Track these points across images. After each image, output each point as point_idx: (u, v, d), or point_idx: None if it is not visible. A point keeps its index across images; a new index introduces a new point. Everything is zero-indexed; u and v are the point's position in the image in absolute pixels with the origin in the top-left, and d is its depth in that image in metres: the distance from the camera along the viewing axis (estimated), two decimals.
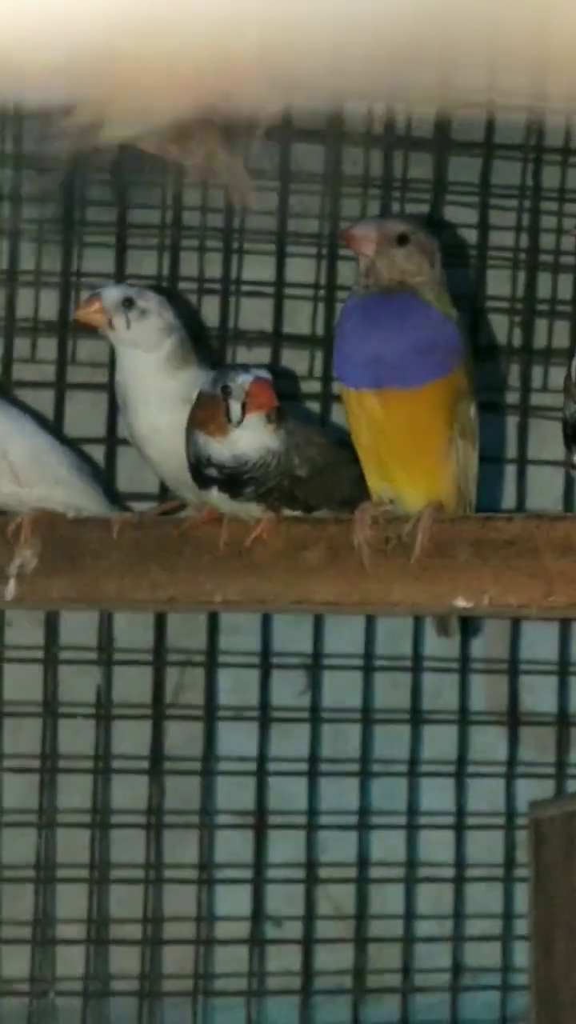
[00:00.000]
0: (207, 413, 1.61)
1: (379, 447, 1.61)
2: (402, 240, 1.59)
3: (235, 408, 1.58)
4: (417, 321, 1.59)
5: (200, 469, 1.63)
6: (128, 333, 1.69)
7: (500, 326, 2.09)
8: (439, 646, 2.03)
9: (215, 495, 1.63)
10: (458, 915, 2.04)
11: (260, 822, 2.02)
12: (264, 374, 1.61)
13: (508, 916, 2.04)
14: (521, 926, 1.96)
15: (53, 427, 1.87)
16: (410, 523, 1.58)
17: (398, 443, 1.60)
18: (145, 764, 2.00)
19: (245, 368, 1.63)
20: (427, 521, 1.58)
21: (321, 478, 1.65)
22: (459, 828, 2.05)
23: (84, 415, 1.97)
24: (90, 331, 1.77)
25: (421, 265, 1.60)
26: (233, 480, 1.62)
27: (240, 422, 1.59)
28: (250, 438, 1.60)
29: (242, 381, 1.59)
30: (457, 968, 2.04)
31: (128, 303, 1.69)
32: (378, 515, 1.60)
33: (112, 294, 1.71)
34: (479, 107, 1.67)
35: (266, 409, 1.59)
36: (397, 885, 2.04)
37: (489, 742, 2.08)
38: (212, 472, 1.62)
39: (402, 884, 2.04)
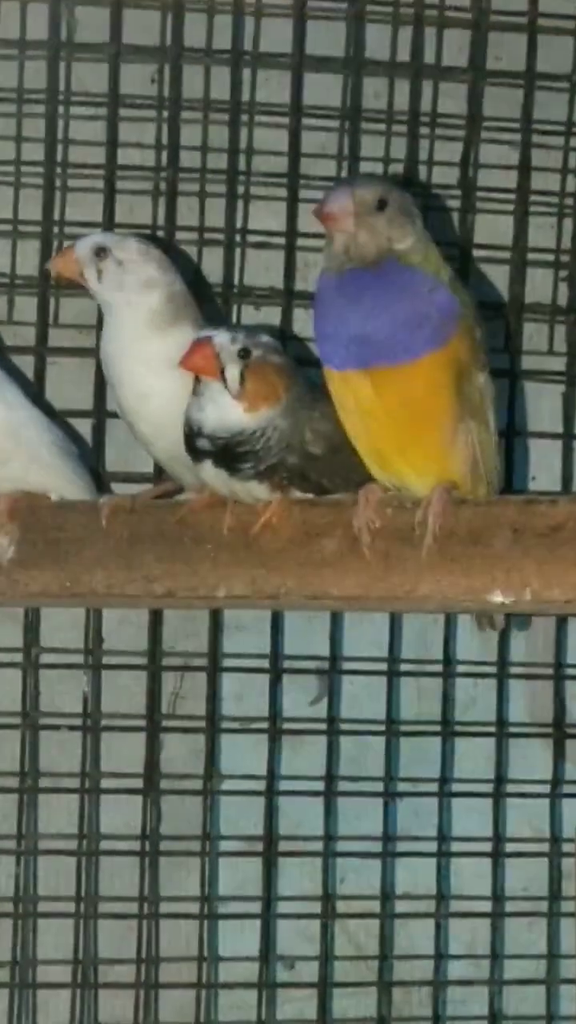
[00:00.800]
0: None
1: (375, 435, 1.59)
2: (381, 205, 1.56)
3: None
4: (404, 291, 1.57)
5: (192, 439, 1.61)
6: (101, 286, 1.70)
7: (544, 281, 2.07)
8: (474, 649, 2.06)
9: (210, 471, 1.61)
10: (495, 955, 2.03)
11: (269, 849, 2.00)
12: (227, 337, 1.60)
13: (552, 956, 2.04)
14: (567, 968, 2.00)
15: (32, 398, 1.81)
16: (420, 509, 1.56)
17: (395, 428, 1.58)
18: (139, 783, 1.98)
19: (229, 329, 1.63)
20: (438, 505, 1.56)
21: (338, 456, 1.62)
22: (497, 855, 2.04)
23: (68, 384, 1.97)
24: (75, 288, 1.77)
25: (404, 228, 1.58)
26: (226, 453, 1.60)
27: (199, 390, 1.61)
28: (212, 409, 1.60)
29: (204, 333, 1.61)
30: (495, 1016, 2.03)
31: (102, 252, 1.69)
32: (386, 499, 1.59)
33: (86, 242, 1.71)
34: None
35: (194, 371, 1.59)
36: (426, 921, 2.03)
37: (531, 757, 2.07)
38: (203, 444, 1.60)
39: (432, 920, 2.03)
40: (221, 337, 1.58)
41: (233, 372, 1.58)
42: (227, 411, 1.59)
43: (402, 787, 2.03)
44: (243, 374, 1.59)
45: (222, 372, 1.58)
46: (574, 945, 1.94)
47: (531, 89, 2.05)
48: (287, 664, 2.02)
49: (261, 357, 1.60)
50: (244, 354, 1.59)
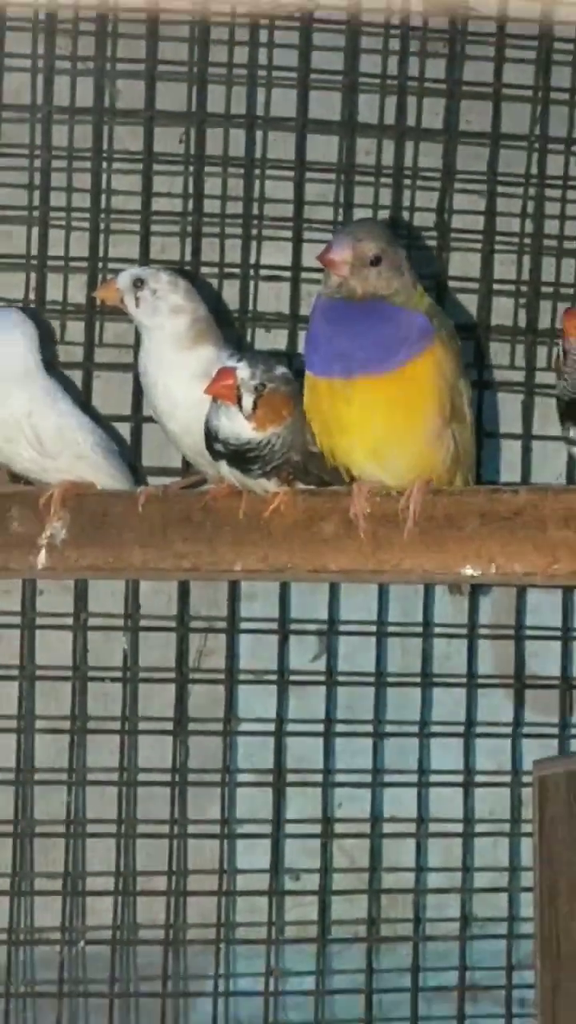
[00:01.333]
0: None
1: (364, 437, 1.57)
2: (376, 261, 1.56)
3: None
4: (384, 323, 1.56)
5: (211, 443, 1.62)
6: (138, 311, 1.69)
7: (507, 307, 2.06)
8: (448, 613, 2.05)
9: (226, 469, 1.62)
10: (466, 868, 2.02)
11: (278, 780, 2.00)
12: (245, 367, 1.59)
13: (514, 869, 2.02)
14: (527, 878, 1.95)
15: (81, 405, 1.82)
16: (404, 498, 1.57)
17: (379, 432, 1.57)
18: (169, 725, 1.98)
19: (243, 357, 1.62)
20: (418, 496, 1.56)
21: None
22: (467, 786, 2.03)
23: (111, 393, 1.96)
24: (117, 313, 1.76)
25: (391, 280, 1.57)
26: (237, 456, 1.60)
27: (217, 405, 1.60)
28: (227, 423, 1.59)
29: (228, 364, 1.60)
30: (465, 918, 2.01)
31: (139, 283, 1.69)
32: (375, 490, 1.59)
33: (124, 276, 1.71)
34: None
35: (215, 396, 1.59)
36: (408, 839, 2.02)
37: (495, 704, 2.05)
38: (219, 447, 1.61)
39: (413, 839, 2.02)
40: (243, 372, 1.58)
41: (248, 400, 1.57)
42: (239, 426, 1.59)
43: (389, 728, 2.02)
44: (256, 402, 1.58)
45: (239, 399, 1.58)
46: (532, 859, 1.85)
47: (496, 147, 2.04)
48: (292, 627, 2.01)
49: (274, 389, 1.60)
50: (260, 388, 1.58)
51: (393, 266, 1.58)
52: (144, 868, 1.97)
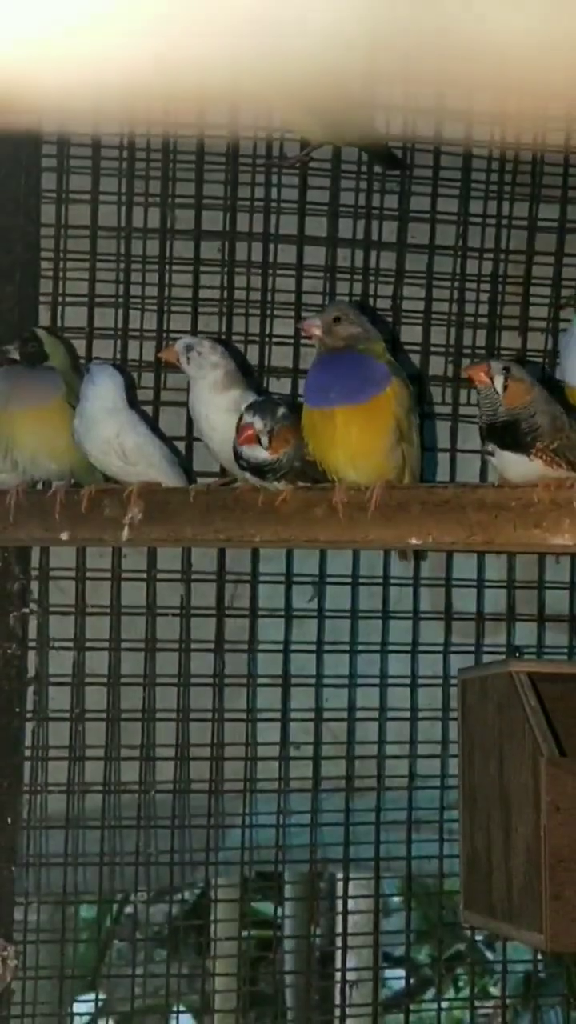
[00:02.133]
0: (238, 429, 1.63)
1: (343, 451, 1.58)
2: (336, 320, 1.60)
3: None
4: (355, 366, 1.58)
5: (238, 460, 1.65)
6: (188, 367, 1.71)
7: (440, 363, 2.06)
8: (400, 568, 2.03)
9: (249, 477, 1.65)
10: (413, 741, 2.02)
11: (286, 682, 2.00)
12: (259, 419, 1.59)
13: (445, 742, 2.01)
14: (453, 748, 1.94)
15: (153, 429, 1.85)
16: (369, 492, 1.60)
17: (353, 447, 1.58)
18: (211, 644, 1.99)
19: (258, 408, 1.61)
20: (379, 491, 1.59)
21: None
22: (413, 686, 2.03)
23: (173, 422, 1.94)
24: (174, 368, 1.77)
25: (352, 331, 1.60)
26: (256, 470, 1.63)
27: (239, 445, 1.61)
28: (252, 453, 1.61)
29: (247, 420, 1.60)
30: (412, 775, 2.02)
31: (189, 348, 1.71)
32: (350, 487, 1.61)
33: (180, 343, 1.72)
34: None
35: (243, 444, 1.60)
36: (373, 723, 2.02)
37: (432, 631, 2.05)
38: (244, 464, 1.64)
39: (377, 722, 2.02)
40: (258, 424, 1.59)
41: (264, 440, 1.60)
42: (259, 454, 1.61)
43: (360, 647, 2.02)
44: (269, 439, 1.60)
45: (258, 440, 1.60)
46: (457, 735, 1.86)
47: (432, 254, 2.04)
48: (295, 578, 2.01)
49: (280, 428, 1.60)
50: (270, 431, 1.60)
51: (351, 323, 1.59)
52: (195, 742, 1.97)
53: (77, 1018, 2.07)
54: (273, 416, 1.60)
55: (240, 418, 1.62)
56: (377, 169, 2.01)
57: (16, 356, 1.74)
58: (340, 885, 2.08)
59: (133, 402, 1.79)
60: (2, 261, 1.92)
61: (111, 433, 1.69)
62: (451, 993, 2.30)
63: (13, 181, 1.92)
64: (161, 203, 1.98)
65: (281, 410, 1.62)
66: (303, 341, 1.98)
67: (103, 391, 1.71)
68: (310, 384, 1.62)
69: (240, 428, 1.60)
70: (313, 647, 2.02)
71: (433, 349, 2.06)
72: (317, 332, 1.59)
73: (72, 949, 1.95)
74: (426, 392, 2.04)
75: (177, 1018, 2.00)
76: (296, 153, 1.96)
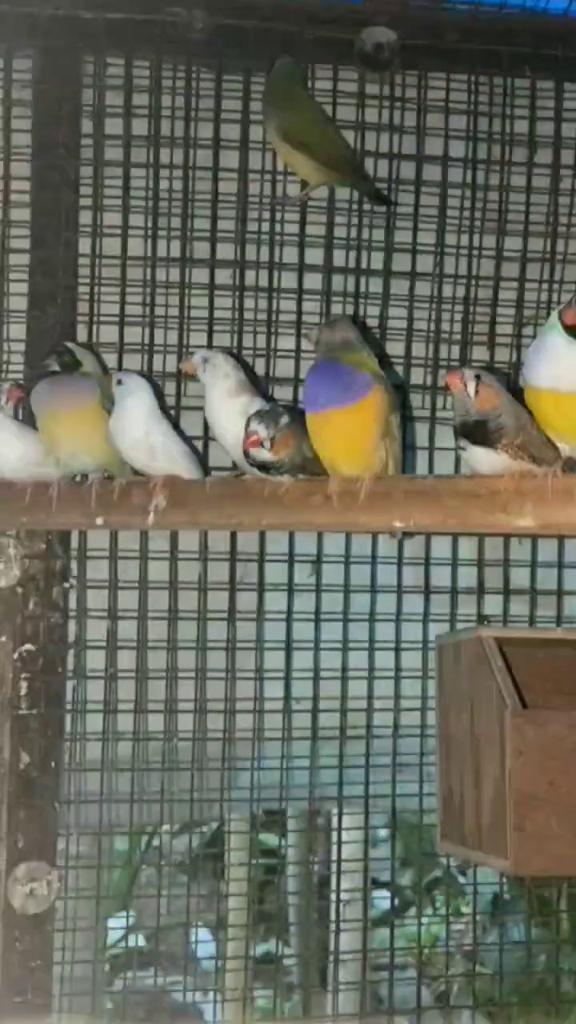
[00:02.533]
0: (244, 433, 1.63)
1: (335, 448, 1.59)
2: (322, 333, 1.62)
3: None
4: (340, 377, 1.58)
5: (247, 459, 1.64)
6: (204, 376, 1.71)
7: (420, 373, 2.05)
8: (386, 549, 2.02)
9: (256, 471, 1.65)
10: (397, 696, 2.01)
11: (288, 647, 1.99)
12: (263, 427, 1.58)
13: (424, 697, 2.00)
14: (431, 703, 1.94)
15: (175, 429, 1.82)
16: (359, 483, 1.60)
17: (343, 444, 1.58)
18: (225, 614, 1.98)
19: (263, 416, 1.60)
20: (367, 482, 1.59)
21: (318, 460, 1.64)
22: (397, 650, 2.02)
23: (191, 423, 1.92)
24: (193, 378, 1.77)
25: (345, 337, 1.61)
26: (262, 467, 1.63)
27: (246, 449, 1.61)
28: (255, 454, 1.61)
29: (253, 427, 1.60)
30: (396, 725, 2.01)
31: (205, 360, 1.71)
32: (343, 478, 1.60)
33: (197, 356, 1.73)
34: None
35: (248, 447, 1.60)
36: (363, 680, 2.01)
37: (414, 603, 2.03)
38: (251, 462, 1.64)
39: (366, 679, 2.01)
40: (262, 432, 1.59)
41: (267, 443, 1.59)
42: (264, 455, 1.60)
43: (351, 616, 2.00)
44: (272, 443, 1.59)
45: (262, 444, 1.59)
46: (435, 691, 1.86)
47: (413, 280, 2.02)
48: (296, 557, 2.00)
49: (281, 433, 1.59)
50: (272, 437, 1.59)
51: (338, 331, 1.60)
52: (211, 697, 1.96)
53: (111, 933, 2.09)
54: (276, 424, 1.60)
55: (247, 423, 1.61)
56: (366, 206, 2.01)
57: (56, 367, 1.74)
58: (335, 820, 2.09)
59: (159, 407, 1.79)
60: (46, 286, 1.93)
61: (141, 433, 1.69)
62: (429, 911, 2.30)
63: (54, 219, 1.93)
64: (181, 236, 1.97)
65: (284, 419, 1.61)
66: (303, 354, 1.98)
67: (135, 398, 1.71)
68: (306, 392, 1.62)
69: (246, 434, 1.60)
70: (312, 616, 2.01)
71: (414, 362, 2.05)
72: (315, 340, 1.62)
73: (107, 875, 1.97)
74: (408, 398, 2.04)
75: (196, 933, 2.06)
76: (297, 193, 1.97)
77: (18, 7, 1.86)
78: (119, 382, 1.71)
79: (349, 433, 1.57)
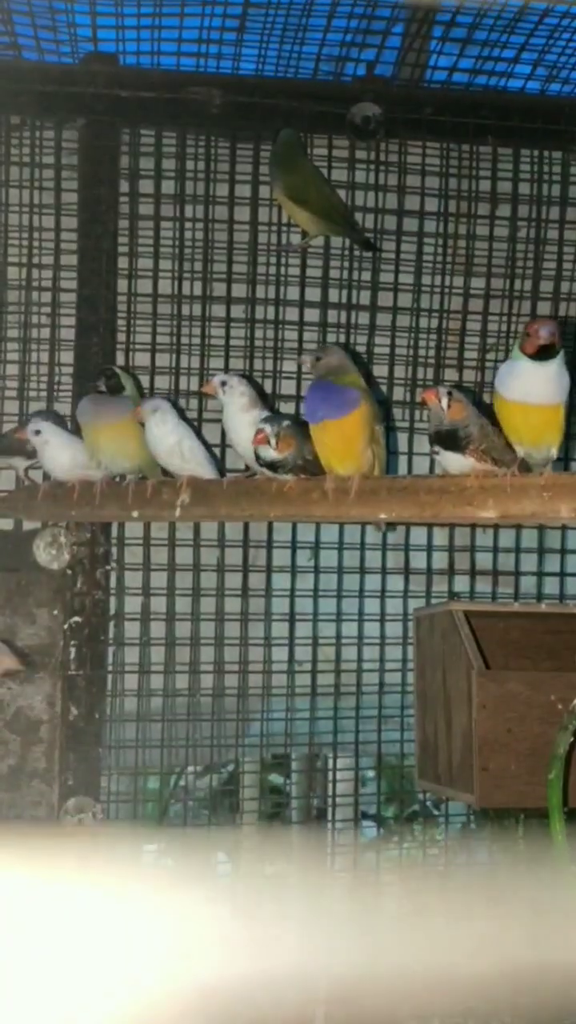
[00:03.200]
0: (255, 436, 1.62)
1: (330, 452, 1.58)
2: (318, 359, 1.61)
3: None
4: (334, 394, 1.57)
5: (257, 460, 1.64)
6: (222, 396, 1.70)
7: (401, 390, 2.03)
8: (373, 536, 2.01)
9: (265, 471, 1.64)
10: (382, 660, 1.99)
11: (291, 619, 1.98)
12: (269, 426, 1.57)
13: (405, 660, 1.98)
14: (410, 664, 1.92)
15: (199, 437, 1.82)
16: (350, 481, 1.59)
17: (338, 449, 1.58)
18: (239, 591, 1.96)
19: (269, 420, 1.60)
20: (357, 481, 1.58)
21: (318, 461, 1.62)
22: (382, 621, 2.00)
23: (212, 433, 1.90)
24: (212, 397, 1.76)
25: (331, 364, 1.60)
26: (271, 466, 1.62)
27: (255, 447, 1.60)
28: (264, 453, 1.60)
29: (260, 426, 1.60)
30: (382, 683, 1.98)
31: (223, 383, 1.70)
32: (338, 477, 1.59)
33: (216, 379, 1.71)
34: None
35: (257, 444, 1.59)
36: (353, 647, 1.99)
37: (396, 582, 2.02)
38: (261, 462, 1.63)
39: (356, 647, 1.99)
40: (268, 429, 1.59)
41: (273, 441, 1.59)
42: (270, 453, 1.60)
43: (344, 593, 1.98)
44: (276, 441, 1.59)
45: (267, 441, 1.59)
46: (413, 656, 1.84)
47: (394, 314, 1.99)
48: (298, 544, 1.98)
49: (284, 433, 1.59)
50: (276, 434, 1.59)
51: (331, 356, 1.60)
52: (228, 660, 1.91)
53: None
54: (280, 425, 1.61)
55: (257, 429, 1.62)
56: (356, 252, 2.00)
57: (103, 388, 1.74)
58: (330, 762, 2.04)
59: (187, 420, 1.80)
60: (90, 320, 1.92)
61: (174, 440, 1.70)
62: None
63: (96, 263, 1.92)
64: (202, 277, 1.97)
65: (285, 422, 1.62)
66: (304, 376, 1.96)
67: (167, 415, 1.72)
68: (306, 407, 1.62)
69: (256, 433, 1.61)
70: (311, 593, 2.00)
71: (395, 381, 2.04)
72: (309, 366, 1.62)
73: (141, 808, 1.95)
74: (391, 411, 2.02)
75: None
76: (299, 242, 1.97)
77: (67, 87, 1.89)
78: (153, 409, 1.70)
79: (343, 439, 1.57)
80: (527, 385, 1.46)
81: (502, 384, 1.49)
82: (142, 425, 1.71)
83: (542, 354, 1.43)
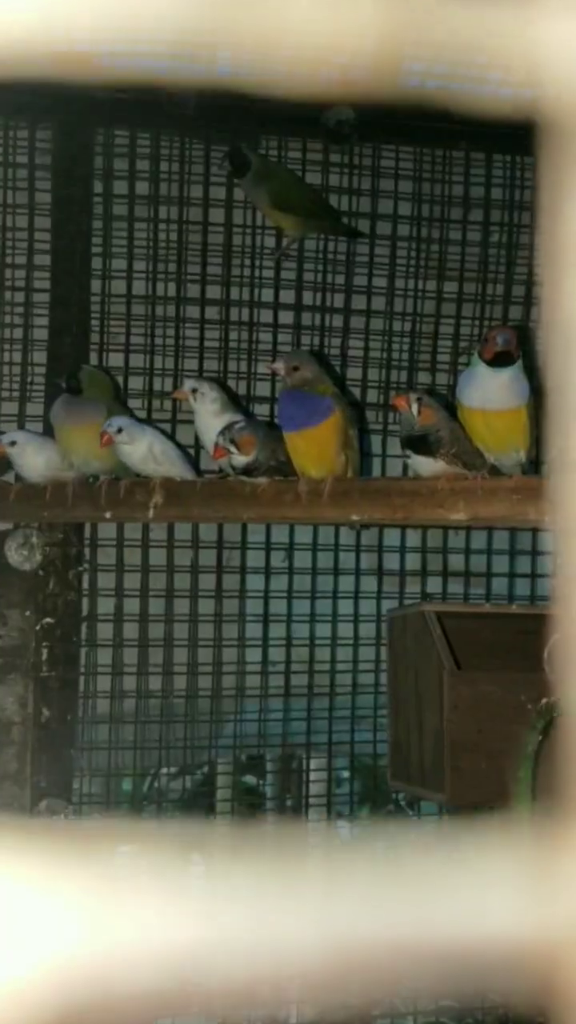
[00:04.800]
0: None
1: (305, 458, 1.58)
2: (296, 368, 1.59)
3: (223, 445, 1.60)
4: (308, 403, 1.57)
5: (233, 469, 1.63)
6: (194, 401, 1.69)
7: (375, 394, 2.04)
8: (346, 538, 2.01)
9: (243, 478, 1.63)
10: (355, 660, 1.99)
11: (266, 619, 1.97)
12: (221, 437, 1.57)
13: (378, 661, 1.98)
14: (383, 665, 1.92)
15: (172, 439, 1.85)
16: (323, 484, 1.59)
17: (313, 455, 1.59)
18: (213, 592, 1.96)
19: (222, 432, 1.58)
20: (330, 484, 1.58)
21: (290, 463, 1.61)
22: (356, 621, 2.00)
23: (185, 436, 1.89)
24: (183, 401, 1.76)
25: (305, 375, 1.58)
26: (242, 470, 1.62)
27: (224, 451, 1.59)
28: (234, 461, 1.59)
29: (216, 442, 1.59)
30: (355, 684, 1.99)
31: (195, 390, 1.69)
32: (311, 480, 1.59)
33: (188, 383, 1.71)
34: None
35: (219, 459, 1.59)
36: (327, 648, 2.00)
37: (369, 583, 2.02)
38: (231, 467, 1.62)
39: (330, 647, 1.99)
40: (221, 440, 1.58)
41: (231, 448, 1.58)
42: (237, 459, 1.59)
43: (318, 594, 1.98)
44: (236, 446, 1.58)
45: (227, 452, 1.58)
46: (386, 655, 1.87)
47: (368, 317, 2.01)
48: (272, 545, 1.97)
49: (240, 436, 1.58)
50: (233, 441, 1.57)
51: (307, 368, 1.58)
52: (202, 661, 1.93)
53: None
54: (231, 431, 1.59)
55: (213, 445, 1.60)
56: (330, 255, 2.00)
57: (64, 385, 1.72)
58: (304, 763, 2.05)
59: (154, 424, 1.79)
60: (63, 320, 1.90)
61: (147, 445, 1.69)
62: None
63: (70, 264, 1.90)
64: (176, 278, 1.95)
65: (238, 424, 1.59)
66: (277, 378, 1.83)
67: (134, 431, 1.71)
68: (281, 415, 1.62)
69: (214, 450, 1.60)
70: (285, 594, 1.99)
71: (369, 384, 2.03)
72: (281, 372, 1.60)
73: (115, 810, 1.92)
74: (364, 415, 2.01)
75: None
76: (281, 244, 1.97)
77: (41, 87, 1.88)
78: (118, 430, 1.67)
79: (318, 446, 1.58)
80: (486, 392, 1.47)
81: (462, 392, 1.52)
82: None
83: (499, 360, 1.45)
